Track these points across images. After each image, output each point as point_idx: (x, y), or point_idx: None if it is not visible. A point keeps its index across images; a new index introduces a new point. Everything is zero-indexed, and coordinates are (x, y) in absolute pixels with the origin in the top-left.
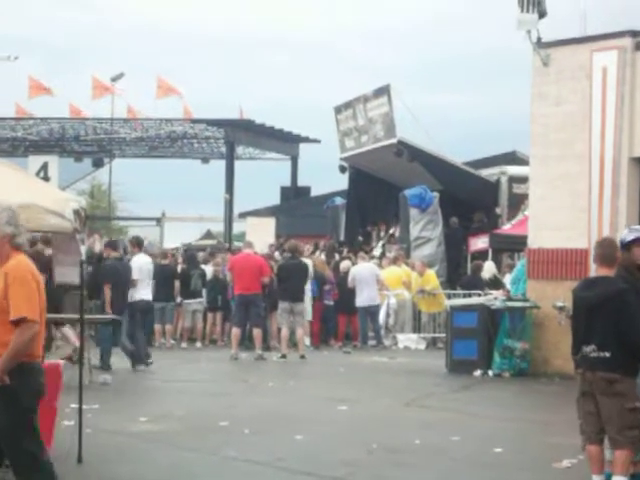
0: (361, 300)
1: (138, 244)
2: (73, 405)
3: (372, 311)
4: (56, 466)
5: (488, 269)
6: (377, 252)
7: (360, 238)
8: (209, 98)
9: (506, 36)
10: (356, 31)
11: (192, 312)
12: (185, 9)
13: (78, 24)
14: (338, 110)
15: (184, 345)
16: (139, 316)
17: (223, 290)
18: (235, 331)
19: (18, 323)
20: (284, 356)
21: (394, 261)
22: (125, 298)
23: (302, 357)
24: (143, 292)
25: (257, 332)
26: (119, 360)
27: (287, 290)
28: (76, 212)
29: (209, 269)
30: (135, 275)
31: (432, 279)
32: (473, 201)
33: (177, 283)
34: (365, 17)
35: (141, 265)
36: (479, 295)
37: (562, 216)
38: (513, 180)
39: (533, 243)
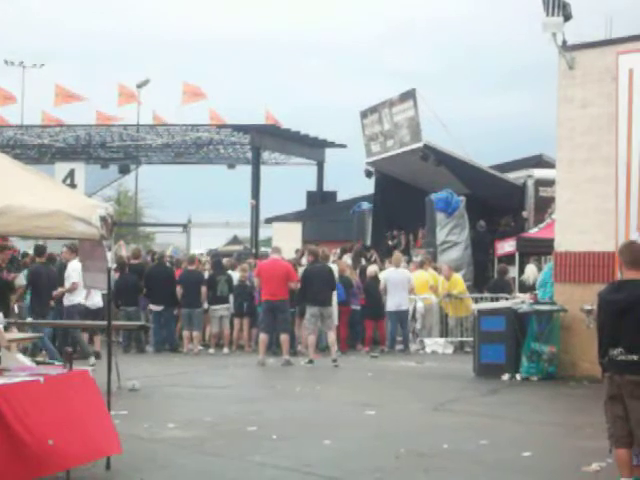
0: (392, 304)
1: (74, 250)
2: None
3: (402, 316)
4: (85, 472)
5: (531, 273)
6: (418, 258)
7: (390, 242)
8: (235, 103)
9: (533, 39)
10: (383, 35)
11: (219, 318)
12: (210, 14)
13: (104, 32)
14: (364, 115)
15: (212, 351)
16: (77, 318)
17: (250, 296)
18: (262, 337)
19: None
20: (311, 361)
21: (421, 265)
22: (46, 302)
23: (334, 362)
24: (80, 296)
25: (284, 338)
26: (149, 366)
27: (314, 295)
28: (103, 219)
29: (236, 275)
30: (74, 279)
31: (459, 283)
32: (499, 205)
33: (204, 289)
34: (391, 21)
35: (79, 270)
36: (506, 299)
37: (589, 219)
38: (540, 183)
39: (560, 246)
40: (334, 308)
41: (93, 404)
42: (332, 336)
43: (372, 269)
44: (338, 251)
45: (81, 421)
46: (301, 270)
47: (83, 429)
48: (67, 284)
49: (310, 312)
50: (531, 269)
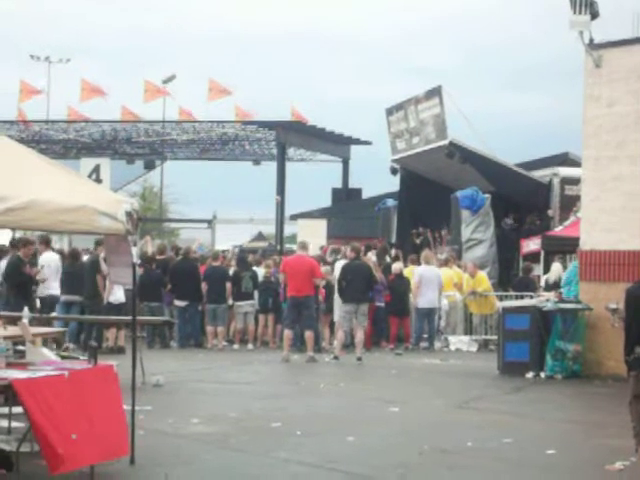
0: (424, 302)
1: (46, 242)
2: (126, 406)
3: (432, 313)
4: (109, 468)
5: (556, 271)
6: (442, 256)
7: (417, 240)
8: (261, 98)
9: (558, 35)
10: (409, 32)
11: (244, 314)
12: (236, 10)
13: (130, 28)
14: (389, 112)
15: (236, 347)
16: (47, 311)
17: (274, 292)
18: (287, 333)
19: None
20: (336, 358)
21: (445, 263)
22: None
23: (359, 359)
24: (52, 288)
25: (309, 334)
26: (173, 361)
27: (351, 292)
28: (128, 214)
29: (260, 271)
30: (45, 271)
31: (484, 281)
32: (525, 203)
33: (229, 285)
34: (419, 19)
35: (49, 262)
36: (531, 297)
37: (615, 217)
38: (565, 182)
39: (585, 245)
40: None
41: (111, 401)
42: (360, 335)
43: (397, 266)
44: (363, 248)
45: (98, 419)
46: (324, 267)
47: (99, 428)
48: (39, 276)
49: (345, 309)
50: (556, 267)
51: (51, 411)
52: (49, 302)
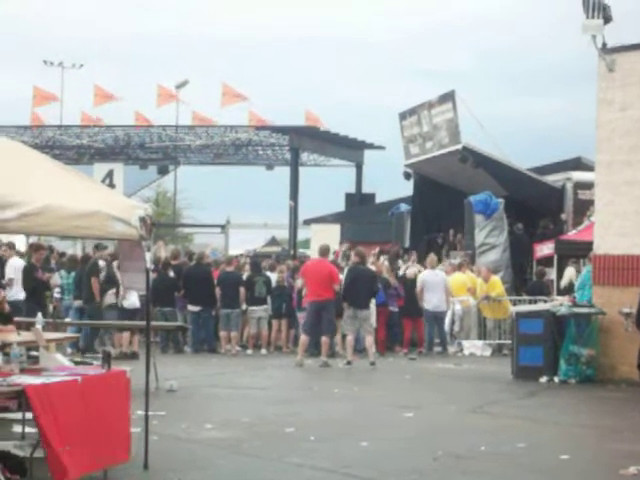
0: (429, 306)
1: (12, 247)
2: (139, 412)
3: (439, 317)
4: (122, 472)
5: (569, 275)
6: (456, 260)
7: (440, 241)
8: (275, 102)
9: (570, 39)
10: (421, 35)
11: (257, 319)
12: (248, 15)
13: (143, 33)
14: (403, 116)
15: (249, 352)
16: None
17: (288, 297)
18: (303, 338)
19: None
20: (349, 362)
21: (459, 267)
22: None
23: (372, 364)
24: (19, 294)
25: (325, 339)
26: (186, 366)
27: (352, 296)
28: (142, 219)
29: (274, 276)
30: (10, 275)
31: (497, 285)
32: (538, 207)
33: (242, 290)
34: (431, 21)
35: (16, 266)
36: (544, 301)
37: (628, 222)
38: (578, 186)
39: (599, 249)
40: (372, 311)
41: (119, 407)
42: (370, 339)
43: (413, 271)
44: (377, 250)
45: (104, 425)
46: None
47: (104, 433)
48: (4, 280)
49: (347, 313)
50: (570, 272)
51: (59, 418)
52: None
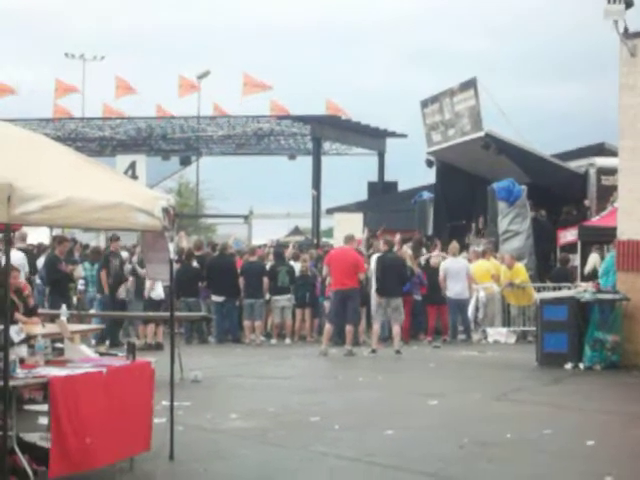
0: (451, 294)
1: (23, 239)
2: (164, 402)
3: (462, 305)
4: (148, 463)
5: (593, 261)
6: (479, 247)
7: (473, 232)
8: (296, 90)
9: (593, 25)
10: (446, 22)
11: (281, 309)
12: (268, 2)
13: (163, 24)
14: (424, 104)
15: (274, 342)
16: None
17: (311, 287)
18: (328, 327)
19: None
20: (374, 351)
21: (482, 255)
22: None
23: (397, 352)
24: None
25: (349, 328)
26: (211, 357)
27: (383, 285)
28: (165, 210)
29: (298, 265)
30: None
31: (521, 272)
32: (561, 193)
33: (266, 280)
34: (455, 8)
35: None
36: (569, 288)
37: None
38: (602, 172)
39: (622, 235)
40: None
41: (143, 397)
42: (397, 328)
43: (436, 259)
44: (398, 237)
45: (127, 415)
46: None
47: (126, 424)
48: (75, 273)
49: (377, 302)
50: (593, 258)
51: (82, 410)
52: None
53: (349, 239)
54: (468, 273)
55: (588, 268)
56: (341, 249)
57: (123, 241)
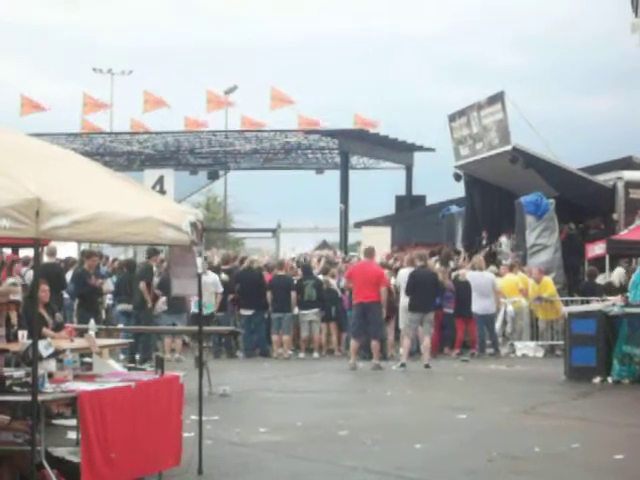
0: (477, 308)
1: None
2: (193, 416)
3: (488, 319)
4: (177, 478)
5: (618, 275)
6: (507, 261)
7: (502, 243)
8: (324, 104)
9: (619, 38)
10: (475, 37)
11: (309, 322)
12: (295, 17)
13: (191, 39)
14: (452, 118)
15: (302, 355)
16: None
17: (338, 300)
18: (353, 343)
19: None
20: (403, 365)
21: (510, 268)
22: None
23: (427, 366)
24: None
25: (375, 343)
26: (238, 371)
27: (417, 300)
28: (193, 224)
29: (326, 279)
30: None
31: (549, 286)
32: (589, 207)
33: (293, 294)
34: (481, 20)
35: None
36: (597, 302)
37: None
38: (630, 185)
39: None
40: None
41: (172, 411)
42: (427, 341)
43: (464, 272)
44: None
45: (156, 430)
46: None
47: (155, 438)
48: (104, 287)
49: (411, 317)
50: (618, 272)
51: (109, 425)
52: None
53: (369, 252)
54: (494, 287)
55: (617, 281)
56: (362, 263)
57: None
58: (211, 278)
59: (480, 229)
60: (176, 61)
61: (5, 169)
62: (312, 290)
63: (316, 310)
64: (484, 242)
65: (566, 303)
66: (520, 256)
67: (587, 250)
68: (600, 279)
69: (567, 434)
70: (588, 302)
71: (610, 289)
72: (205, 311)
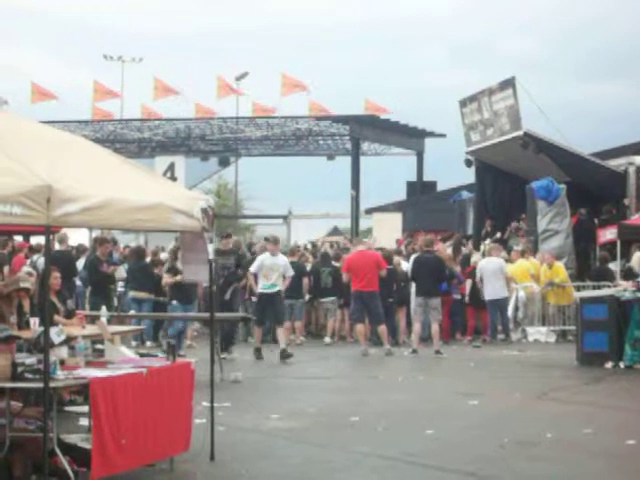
0: (488, 294)
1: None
2: (205, 403)
3: (500, 304)
4: (189, 464)
5: (638, 259)
6: (519, 247)
7: (489, 229)
8: (335, 90)
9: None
10: (485, 21)
11: (326, 310)
12: (306, 2)
13: (201, 25)
14: (463, 104)
15: (328, 340)
16: None
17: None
18: (358, 327)
19: None
20: (415, 351)
21: (522, 254)
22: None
23: (437, 352)
24: None
25: (382, 328)
26: (250, 358)
27: (420, 285)
28: (204, 211)
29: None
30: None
31: (561, 271)
32: (601, 192)
33: (306, 280)
34: (495, 6)
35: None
36: (608, 287)
37: None
38: None
39: None
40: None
41: (183, 398)
42: (436, 327)
43: (475, 258)
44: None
45: (166, 416)
46: (398, 259)
47: (165, 424)
48: (117, 274)
49: (416, 302)
50: (638, 256)
51: (120, 411)
52: None
53: (360, 242)
54: (504, 272)
55: (634, 265)
56: (359, 252)
57: (161, 242)
58: (282, 260)
59: (491, 215)
60: (187, 48)
61: (16, 155)
62: (328, 277)
63: (333, 298)
64: (489, 229)
65: (578, 288)
66: (532, 242)
67: (599, 235)
68: (612, 265)
69: (579, 419)
70: (600, 287)
71: (629, 274)
72: (272, 289)
